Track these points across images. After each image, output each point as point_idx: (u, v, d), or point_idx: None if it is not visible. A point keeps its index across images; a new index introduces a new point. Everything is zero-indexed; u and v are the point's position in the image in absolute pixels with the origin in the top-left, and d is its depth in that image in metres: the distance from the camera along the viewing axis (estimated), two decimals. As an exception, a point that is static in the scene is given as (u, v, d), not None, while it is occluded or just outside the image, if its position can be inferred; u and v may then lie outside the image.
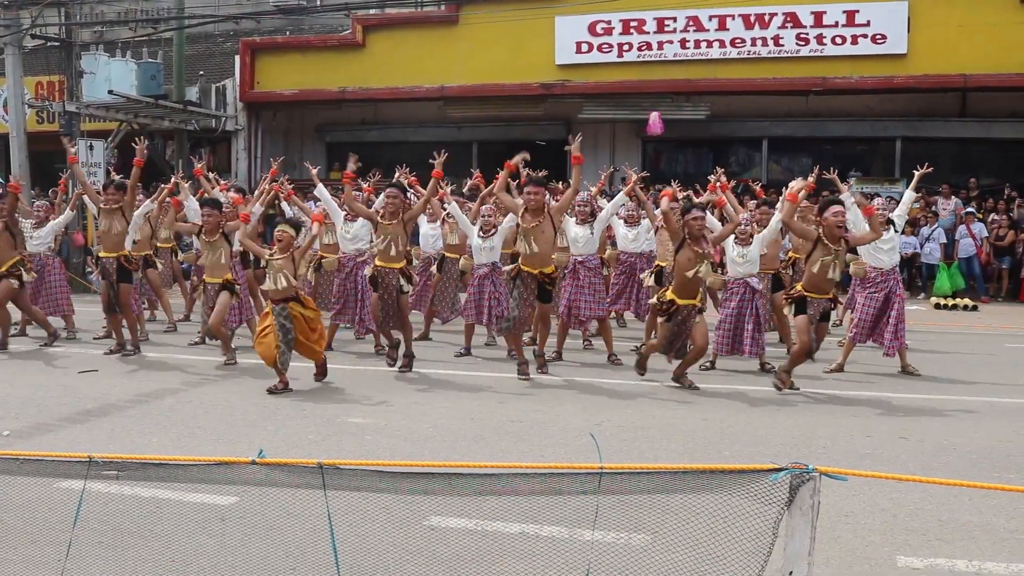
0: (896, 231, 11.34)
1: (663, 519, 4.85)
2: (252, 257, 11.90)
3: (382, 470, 4.16)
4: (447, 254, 13.04)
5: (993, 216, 20.57)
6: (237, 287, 11.34)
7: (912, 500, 6.14)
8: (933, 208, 21.09)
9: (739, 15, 22.68)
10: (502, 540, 5.27)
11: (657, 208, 10.75)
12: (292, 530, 5.44)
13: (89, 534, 5.19)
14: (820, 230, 9.34)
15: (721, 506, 3.94)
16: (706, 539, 4.75)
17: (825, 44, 22.34)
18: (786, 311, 9.87)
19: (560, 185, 13.80)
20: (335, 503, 4.39)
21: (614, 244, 13.80)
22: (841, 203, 9.68)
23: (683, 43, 23.21)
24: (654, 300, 10.06)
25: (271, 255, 9.50)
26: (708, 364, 10.93)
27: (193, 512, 5.76)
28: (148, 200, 13.33)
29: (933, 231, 20.09)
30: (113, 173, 14.26)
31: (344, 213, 12.16)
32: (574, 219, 11.72)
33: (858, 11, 22.07)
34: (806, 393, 9.70)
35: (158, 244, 14.56)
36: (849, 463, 6.92)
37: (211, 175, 14.23)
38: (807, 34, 22.43)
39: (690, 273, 9.28)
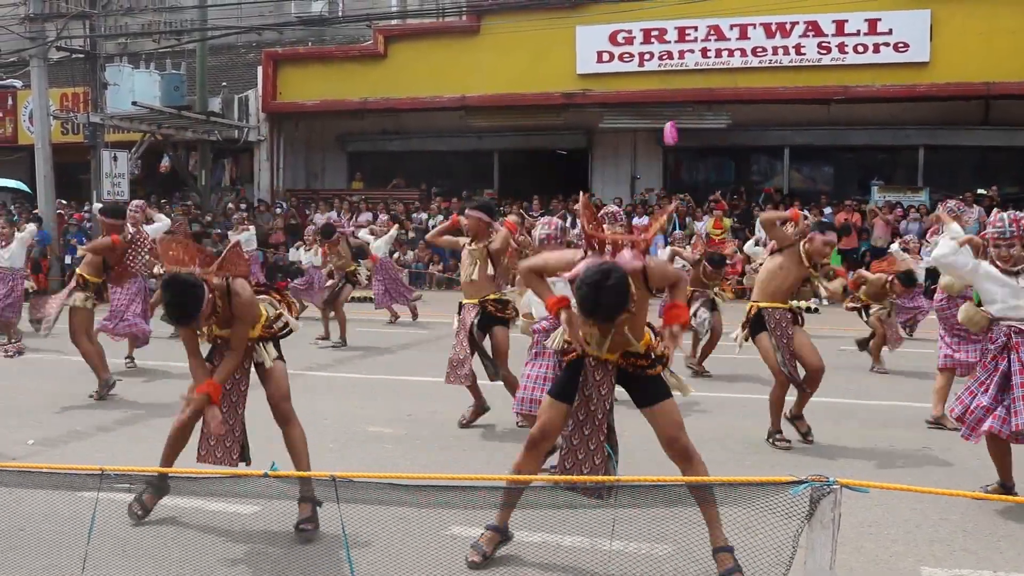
0: None
1: (685, 529, 4.83)
2: None
3: (395, 483, 4.16)
4: None
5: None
6: None
7: (936, 510, 6.09)
8: (956, 217, 20.93)
9: (760, 24, 22.65)
10: (523, 549, 5.27)
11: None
12: (315, 537, 5.46)
13: (112, 543, 5.22)
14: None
15: (742, 517, 3.92)
16: (727, 550, 4.74)
17: (847, 53, 22.29)
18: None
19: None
20: (355, 512, 4.39)
21: None
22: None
23: (704, 52, 23.21)
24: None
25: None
26: None
27: (213, 520, 5.78)
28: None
29: (957, 240, 19.95)
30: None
31: None
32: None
33: (880, 19, 22.01)
34: (829, 403, 9.65)
35: None
36: (872, 474, 6.88)
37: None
38: (828, 43, 22.38)
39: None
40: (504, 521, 5.17)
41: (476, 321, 8.33)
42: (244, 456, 5.78)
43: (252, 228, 19.73)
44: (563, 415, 5.06)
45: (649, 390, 4.97)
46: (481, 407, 8.62)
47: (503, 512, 5.14)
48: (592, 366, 4.93)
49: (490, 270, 8.26)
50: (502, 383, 8.45)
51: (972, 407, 6.15)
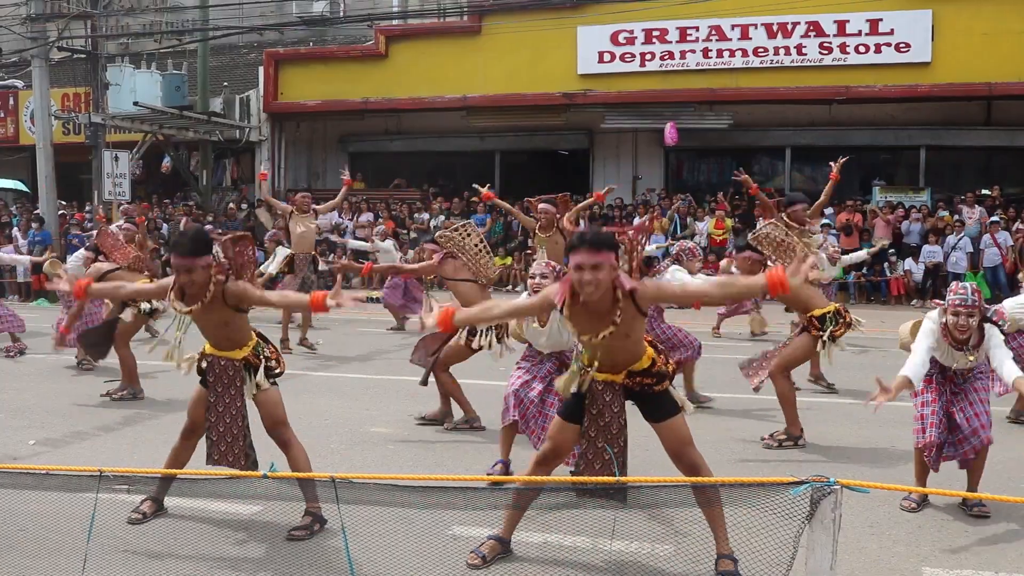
0: None
1: (687, 529, 4.84)
2: None
3: (396, 484, 4.16)
4: None
5: (1018, 225, 20.39)
6: None
7: (938, 511, 6.10)
8: (958, 217, 20.94)
9: (762, 24, 22.62)
10: (525, 549, 5.27)
11: None
12: (316, 538, 5.47)
13: (113, 542, 5.22)
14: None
15: (743, 518, 3.92)
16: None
17: (848, 53, 22.25)
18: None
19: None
20: (357, 512, 4.39)
21: None
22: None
23: (705, 52, 23.17)
24: None
25: None
26: None
27: (214, 521, 5.79)
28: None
29: (959, 240, 19.94)
30: None
31: None
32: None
33: (881, 20, 21.97)
34: (830, 403, 9.66)
35: None
36: (873, 474, 6.88)
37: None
38: (830, 43, 22.34)
39: None
40: (508, 534, 5.18)
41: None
42: (249, 467, 5.73)
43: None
44: (573, 435, 5.09)
45: (657, 406, 4.98)
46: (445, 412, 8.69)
47: (508, 525, 5.16)
48: (600, 388, 4.93)
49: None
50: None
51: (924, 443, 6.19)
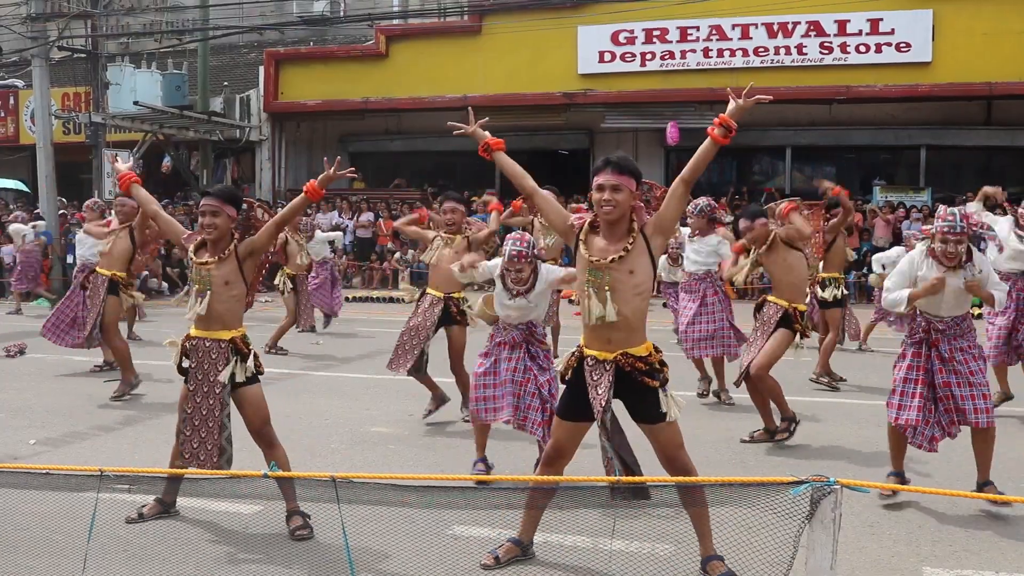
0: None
1: (688, 529, 4.84)
2: None
3: (396, 483, 4.15)
4: None
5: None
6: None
7: (938, 511, 6.10)
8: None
9: (762, 24, 22.62)
10: (524, 550, 5.27)
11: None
12: (316, 538, 5.47)
13: (114, 542, 5.23)
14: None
15: (744, 517, 3.91)
16: (729, 550, 4.74)
17: (849, 53, 22.25)
18: None
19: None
20: (357, 511, 4.39)
21: None
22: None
23: (706, 52, 23.18)
24: None
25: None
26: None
27: (214, 521, 5.79)
28: None
29: (959, 239, 19.90)
30: None
31: None
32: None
33: (882, 19, 21.97)
34: (830, 403, 9.65)
35: None
36: (873, 474, 6.88)
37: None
38: (831, 43, 22.34)
39: None
40: (527, 537, 5.14)
41: (437, 317, 8.47)
42: (223, 464, 5.63)
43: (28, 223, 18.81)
44: (571, 432, 4.98)
45: (647, 404, 4.81)
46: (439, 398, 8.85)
47: (526, 526, 5.12)
48: (591, 365, 4.82)
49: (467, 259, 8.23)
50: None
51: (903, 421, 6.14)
